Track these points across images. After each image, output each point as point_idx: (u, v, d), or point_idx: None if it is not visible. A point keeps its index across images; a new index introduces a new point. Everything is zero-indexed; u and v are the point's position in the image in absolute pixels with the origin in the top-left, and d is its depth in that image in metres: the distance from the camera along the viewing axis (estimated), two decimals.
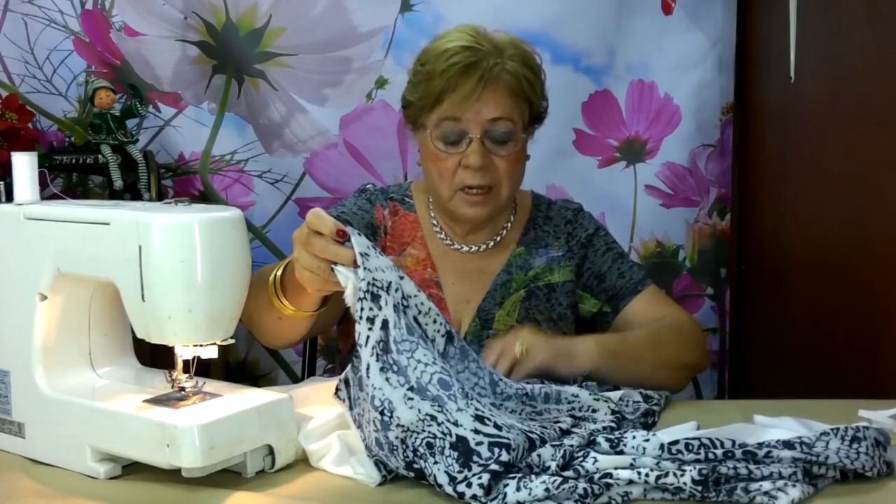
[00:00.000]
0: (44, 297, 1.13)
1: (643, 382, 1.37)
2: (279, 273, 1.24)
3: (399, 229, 1.57)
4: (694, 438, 1.05)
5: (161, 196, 2.10)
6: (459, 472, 0.99)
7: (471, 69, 1.42)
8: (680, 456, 1.03)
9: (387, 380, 1.04)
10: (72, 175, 2.21)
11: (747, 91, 2.41)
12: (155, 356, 1.23)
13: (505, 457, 1.00)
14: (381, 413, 1.03)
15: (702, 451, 1.03)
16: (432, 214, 1.58)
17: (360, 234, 1.11)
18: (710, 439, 1.04)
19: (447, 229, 1.57)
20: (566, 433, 1.12)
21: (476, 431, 1.02)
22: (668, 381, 1.42)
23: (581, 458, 1.03)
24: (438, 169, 1.47)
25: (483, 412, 1.05)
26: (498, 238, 1.57)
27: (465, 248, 1.56)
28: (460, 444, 1.01)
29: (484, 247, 1.57)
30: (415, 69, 1.51)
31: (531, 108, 1.48)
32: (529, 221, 1.60)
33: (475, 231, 1.56)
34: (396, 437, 1.02)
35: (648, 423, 1.25)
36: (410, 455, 1.02)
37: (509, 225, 1.59)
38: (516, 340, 1.33)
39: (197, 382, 1.13)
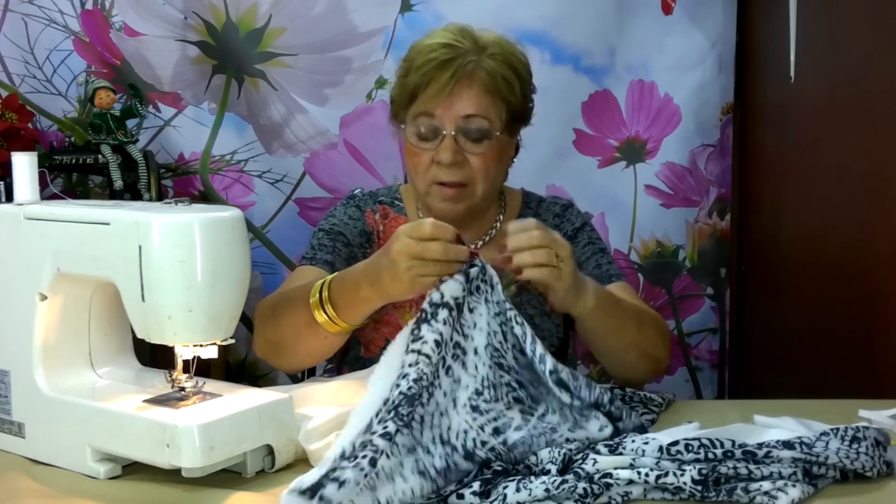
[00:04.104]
0: (44, 297, 1.13)
1: (615, 355, 1.40)
2: (325, 293, 1.28)
3: (390, 232, 1.56)
4: (694, 439, 1.05)
5: (161, 196, 2.10)
6: None
7: (445, 65, 1.42)
8: (680, 456, 1.03)
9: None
10: (72, 175, 2.21)
11: (747, 91, 2.41)
12: (155, 356, 1.23)
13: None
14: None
15: (702, 451, 1.03)
16: (420, 215, 1.58)
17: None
18: (710, 439, 1.04)
19: None
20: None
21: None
22: (636, 366, 1.42)
23: (580, 461, 1.04)
24: (414, 163, 1.48)
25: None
26: (487, 238, 1.57)
27: None
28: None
29: (473, 246, 1.56)
30: (399, 66, 1.52)
31: (509, 108, 1.47)
32: (518, 219, 1.60)
33: (462, 230, 1.55)
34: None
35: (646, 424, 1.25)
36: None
37: (498, 224, 1.58)
38: (554, 248, 1.26)
39: (197, 382, 1.13)
